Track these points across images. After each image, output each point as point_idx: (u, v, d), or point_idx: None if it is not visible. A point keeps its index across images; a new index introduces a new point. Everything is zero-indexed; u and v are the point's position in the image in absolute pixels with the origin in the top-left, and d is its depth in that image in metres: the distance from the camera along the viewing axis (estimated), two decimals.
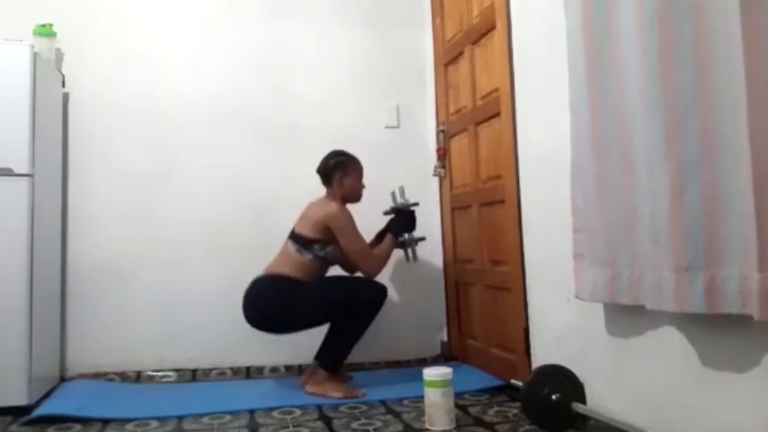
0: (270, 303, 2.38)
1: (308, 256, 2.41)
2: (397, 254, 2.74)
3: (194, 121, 2.95)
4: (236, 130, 2.98)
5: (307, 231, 2.42)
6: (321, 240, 2.41)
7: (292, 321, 2.42)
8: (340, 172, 2.50)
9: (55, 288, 2.61)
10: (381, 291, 2.45)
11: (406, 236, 2.67)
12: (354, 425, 1.98)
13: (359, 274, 2.57)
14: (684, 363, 1.44)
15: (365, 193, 2.58)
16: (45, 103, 2.44)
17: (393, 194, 2.70)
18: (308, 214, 2.47)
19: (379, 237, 2.66)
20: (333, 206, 2.43)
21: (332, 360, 2.40)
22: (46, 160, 2.46)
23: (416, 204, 2.68)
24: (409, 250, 2.70)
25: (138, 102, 2.89)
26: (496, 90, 2.43)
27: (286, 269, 2.41)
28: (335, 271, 2.61)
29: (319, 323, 2.44)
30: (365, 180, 2.57)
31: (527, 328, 2.19)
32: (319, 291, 2.41)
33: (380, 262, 2.52)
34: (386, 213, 2.69)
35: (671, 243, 1.34)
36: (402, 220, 2.63)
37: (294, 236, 2.45)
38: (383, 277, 2.57)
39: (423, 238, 2.73)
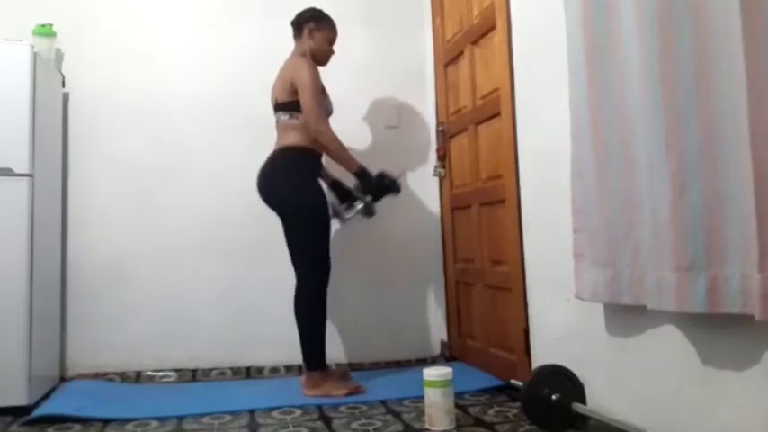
0: (282, 184, 2.39)
1: (302, 118, 2.39)
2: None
3: (194, 120, 2.95)
4: (235, 130, 2.98)
5: (286, 96, 2.42)
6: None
7: (287, 216, 2.40)
8: (313, 23, 2.52)
9: (55, 288, 2.61)
10: (327, 266, 2.41)
11: (362, 196, 2.51)
12: (354, 425, 1.98)
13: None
14: (685, 363, 1.44)
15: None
16: (45, 103, 2.44)
17: (398, 173, 2.62)
18: (280, 78, 2.48)
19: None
20: (298, 61, 2.44)
21: (311, 356, 2.37)
22: (46, 160, 2.46)
23: (398, 189, 2.56)
24: (353, 208, 2.53)
25: (137, 101, 2.89)
26: (496, 90, 2.43)
27: (293, 138, 2.40)
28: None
29: (289, 238, 2.42)
30: None
31: (527, 328, 2.19)
32: (313, 214, 2.37)
33: (331, 134, 2.40)
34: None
35: (672, 242, 1.34)
36: (377, 182, 2.50)
37: (278, 105, 2.46)
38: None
39: (370, 213, 2.53)
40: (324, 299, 2.40)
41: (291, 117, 2.42)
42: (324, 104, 2.45)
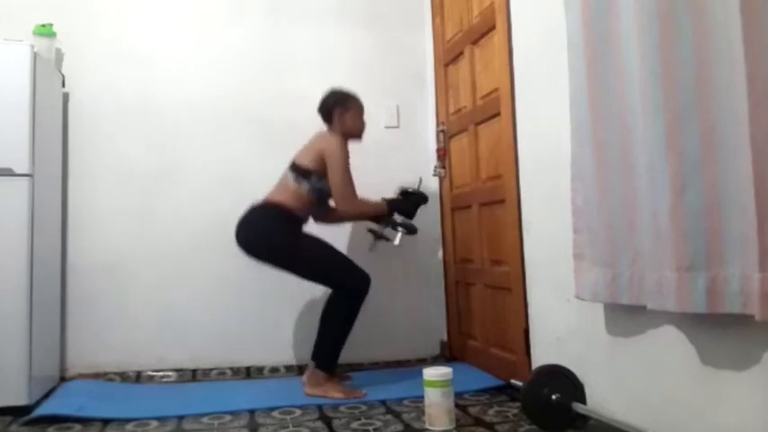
0: (260, 232, 2.40)
1: (305, 187, 2.41)
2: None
3: (194, 120, 2.95)
4: (236, 130, 2.98)
5: (305, 161, 2.43)
6: (318, 171, 2.41)
7: (277, 259, 2.40)
8: (340, 108, 2.52)
9: (55, 288, 2.61)
10: (365, 279, 2.42)
11: (398, 218, 2.59)
12: (354, 425, 1.98)
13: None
14: (685, 363, 1.44)
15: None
16: (45, 103, 2.44)
17: (420, 180, 2.72)
18: (308, 145, 2.49)
19: None
20: (333, 138, 2.45)
21: (325, 358, 2.38)
22: (46, 160, 2.46)
23: (425, 199, 2.65)
24: (397, 233, 2.60)
25: (137, 101, 2.89)
26: (496, 90, 2.43)
27: (282, 198, 2.42)
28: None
29: (299, 273, 2.43)
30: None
31: (527, 328, 2.19)
32: (313, 241, 2.42)
33: (356, 205, 2.47)
34: (395, 194, 2.67)
35: (672, 243, 1.34)
36: (405, 202, 2.61)
37: (293, 166, 2.46)
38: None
39: (411, 231, 2.61)
40: (358, 309, 2.41)
41: (296, 180, 2.42)
42: (351, 176, 2.44)
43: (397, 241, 2.60)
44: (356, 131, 2.56)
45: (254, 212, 2.44)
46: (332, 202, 2.50)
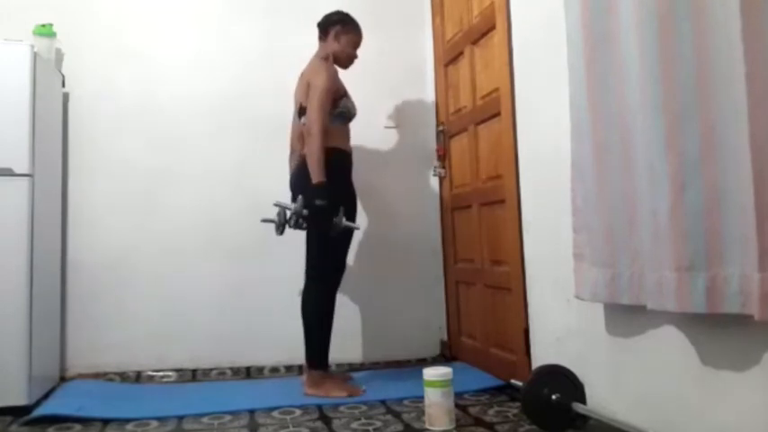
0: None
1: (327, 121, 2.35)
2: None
3: (194, 120, 2.95)
4: (236, 130, 2.98)
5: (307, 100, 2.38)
6: (331, 99, 2.37)
7: (312, 219, 2.27)
8: (340, 26, 2.51)
9: (55, 288, 2.61)
10: (338, 267, 2.40)
11: (300, 209, 2.27)
12: (354, 425, 1.98)
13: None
14: (684, 363, 1.44)
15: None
16: (45, 103, 2.44)
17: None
18: (302, 81, 2.46)
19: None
20: (320, 66, 2.42)
21: (314, 355, 2.36)
22: (46, 160, 2.46)
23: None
24: (287, 221, 2.32)
25: (137, 101, 2.90)
26: (496, 90, 2.43)
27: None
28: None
29: (308, 239, 2.39)
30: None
31: (527, 328, 2.19)
32: (333, 222, 2.27)
33: (316, 151, 2.26)
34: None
35: (672, 242, 1.34)
36: (319, 210, 2.25)
37: (302, 110, 2.43)
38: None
39: (303, 227, 2.34)
40: (333, 300, 2.39)
41: None
42: (326, 112, 2.35)
43: (281, 231, 2.35)
44: (345, 57, 2.54)
45: (303, 172, 2.31)
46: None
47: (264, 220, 2.37)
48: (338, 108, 2.40)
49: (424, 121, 3.21)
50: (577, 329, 1.88)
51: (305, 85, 2.43)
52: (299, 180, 2.39)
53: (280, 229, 2.36)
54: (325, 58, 2.49)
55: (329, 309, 2.38)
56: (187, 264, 2.86)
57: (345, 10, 2.61)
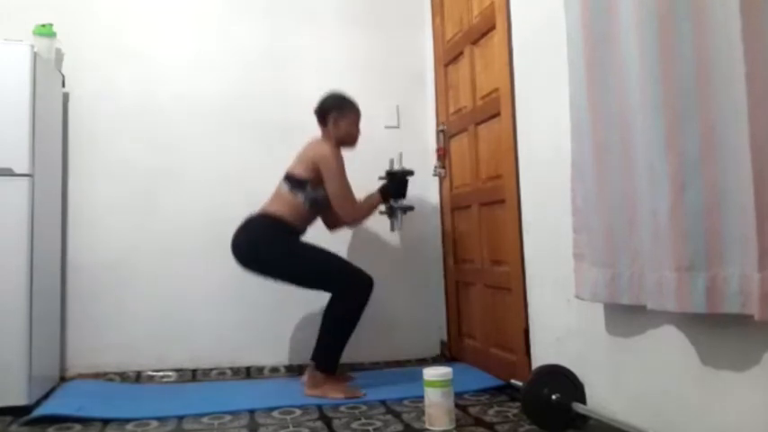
0: (257, 244, 2.39)
1: (300, 198, 2.41)
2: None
3: (194, 120, 2.95)
4: (236, 130, 2.99)
5: (299, 171, 2.42)
6: (312, 180, 2.40)
7: (278, 269, 2.40)
8: (336, 112, 2.50)
9: (55, 288, 2.61)
10: (367, 281, 2.42)
11: (394, 202, 2.64)
12: (354, 425, 1.98)
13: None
14: (685, 363, 1.44)
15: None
16: (45, 103, 2.44)
17: (391, 161, 2.69)
18: (301, 154, 2.48)
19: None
20: (325, 147, 2.43)
21: (325, 359, 2.38)
22: (46, 160, 2.46)
23: (411, 173, 2.66)
24: (395, 218, 2.67)
25: (137, 101, 2.90)
26: (496, 90, 2.43)
27: (278, 209, 2.41)
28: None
29: (301, 283, 2.43)
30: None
31: (527, 328, 2.19)
32: (316, 255, 2.40)
33: (360, 213, 2.50)
34: (380, 178, 2.68)
35: (671, 243, 1.34)
36: (394, 184, 2.61)
37: (287, 176, 2.45)
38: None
39: (411, 208, 2.71)
40: (361, 311, 2.39)
41: (291, 191, 2.42)
42: (349, 188, 2.45)
43: (399, 225, 2.67)
44: (350, 139, 2.55)
45: (251, 224, 2.43)
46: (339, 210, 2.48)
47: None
48: (315, 192, 2.42)
49: (424, 121, 3.21)
50: (577, 329, 1.88)
51: (306, 162, 2.42)
52: (245, 235, 2.41)
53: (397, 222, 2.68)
54: (328, 141, 2.49)
55: (353, 320, 2.39)
56: (187, 264, 2.86)
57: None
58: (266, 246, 2.39)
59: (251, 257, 2.41)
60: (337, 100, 2.54)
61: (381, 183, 2.66)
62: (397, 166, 2.68)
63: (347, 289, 2.38)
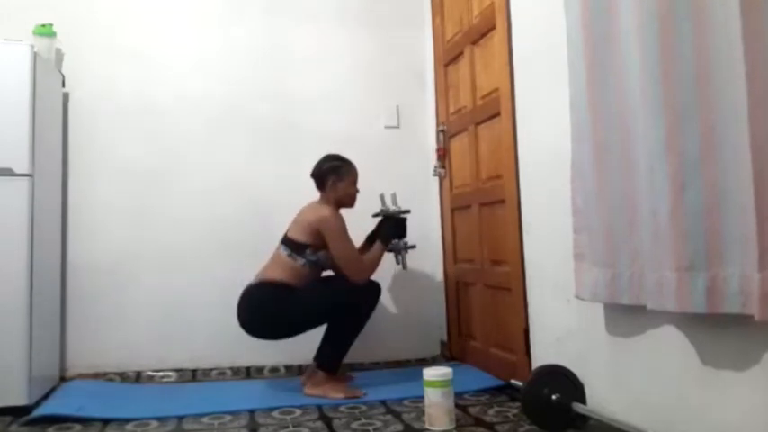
0: (264, 311, 2.38)
1: (300, 261, 2.39)
2: (390, 255, 2.73)
3: (194, 120, 2.95)
4: (235, 130, 2.98)
5: (299, 236, 2.40)
6: (313, 245, 2.39)
7: (288, 327, 2.41)
8: (334, 176, 2.48)
9: (55, 288, 2.61)
10: (375, 289, 2.46)
11: (396, 242, 2.63)
12: (354, 425, 1.98)
13: None
14: (685, 363, 1.44)
15: (363, 194, 2.56)
16: (45, 103, 2.44)
17: (382, 197, 2.64)
18: (300, 218, 2.46)
19: (370, 239, 2.63)
20: (325, 210, 2.42)
21: (329, 360, 2.39)
22: (46, 160, 2.46)
23: (407, 212, 2.63)
24: (399, 257, 2.67)
25: (137, 101, 2.89)
26: (496, 90, 2.43)
27: (278, 275, 2.39)
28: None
29: (315, 326, 2.44)
30: (360, 184, 2.55)
31: (527, 328, 2.19)
32: (312, 295, 2.39)
33: (368, 270, 2.46)
34: (374, 216, 2.65)
35: (671, 243, 1.34)
36: (390, 226, 2.58)
37: (286, 240, 2.44)
38: (380, 275, 2.56)
39: (413, 246, 2.69)
40: (367, 317, 2.44)
41: (290, 255, 2.40)
42: (353, 248, 2.43)
43: (406, 266, 2.69)
44: (349, 200, 2.52)
45: (251, 293, 2.41)
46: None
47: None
48: (316, 256, 2.41)
49: (424, 121, 3.21)
50: (577, 329, 1.88)
51: (305, 226, 2.40)
52: (248, 305, 2.40)
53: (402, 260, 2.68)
54: (327, 203, 2.48)
55: (361, 326, 2.42)
56: (187, 264, 2.86)
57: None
58: (271, 315, 2.38)
59: (260, 326, 2.41)
60: (334, 164, 2.50)
61: (377, 220, 2.63)
62: (392, 206, 2.62)
63: (350, 306, 2.39)
